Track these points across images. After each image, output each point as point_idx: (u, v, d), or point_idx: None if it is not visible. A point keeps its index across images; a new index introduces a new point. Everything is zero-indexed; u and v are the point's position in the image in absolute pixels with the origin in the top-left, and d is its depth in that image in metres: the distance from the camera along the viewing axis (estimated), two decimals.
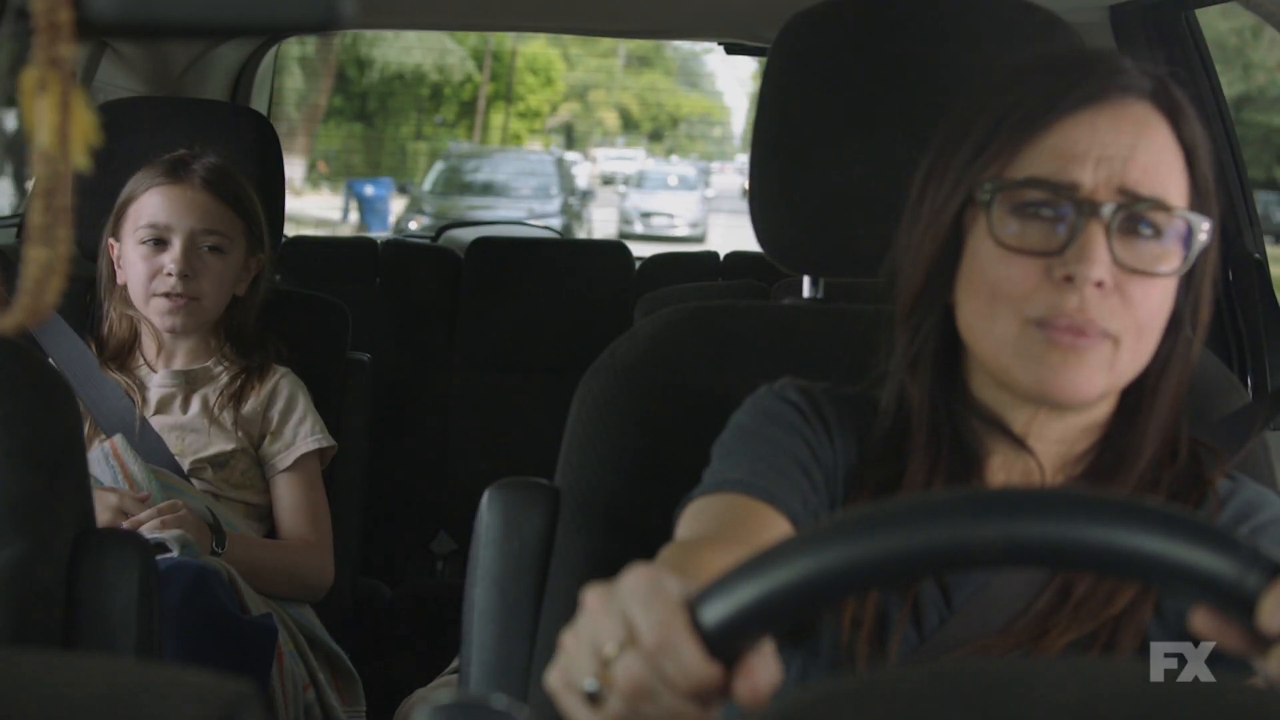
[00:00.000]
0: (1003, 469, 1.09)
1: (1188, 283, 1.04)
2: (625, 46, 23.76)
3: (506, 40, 20.42)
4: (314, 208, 17.96)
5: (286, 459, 2.02)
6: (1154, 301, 1.01)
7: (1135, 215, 1.00)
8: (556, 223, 14.67)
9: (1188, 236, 1.01)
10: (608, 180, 21.61)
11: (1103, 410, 1.07)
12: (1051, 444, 1.07)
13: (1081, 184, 1.00)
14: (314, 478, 2.05)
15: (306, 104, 18.08)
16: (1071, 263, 0.98)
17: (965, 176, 1.04)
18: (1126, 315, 1.00)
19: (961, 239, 1.05)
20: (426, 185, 16.16)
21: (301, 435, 2.04)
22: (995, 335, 1.02)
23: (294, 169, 17.28)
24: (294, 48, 16.96)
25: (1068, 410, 1.05)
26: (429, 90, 19.96)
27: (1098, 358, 1.00)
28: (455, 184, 16.11)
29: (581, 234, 15.92)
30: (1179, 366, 1.06)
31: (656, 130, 27.99)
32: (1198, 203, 1.03)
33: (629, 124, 27.33)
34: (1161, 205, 1.00)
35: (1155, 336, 1.03)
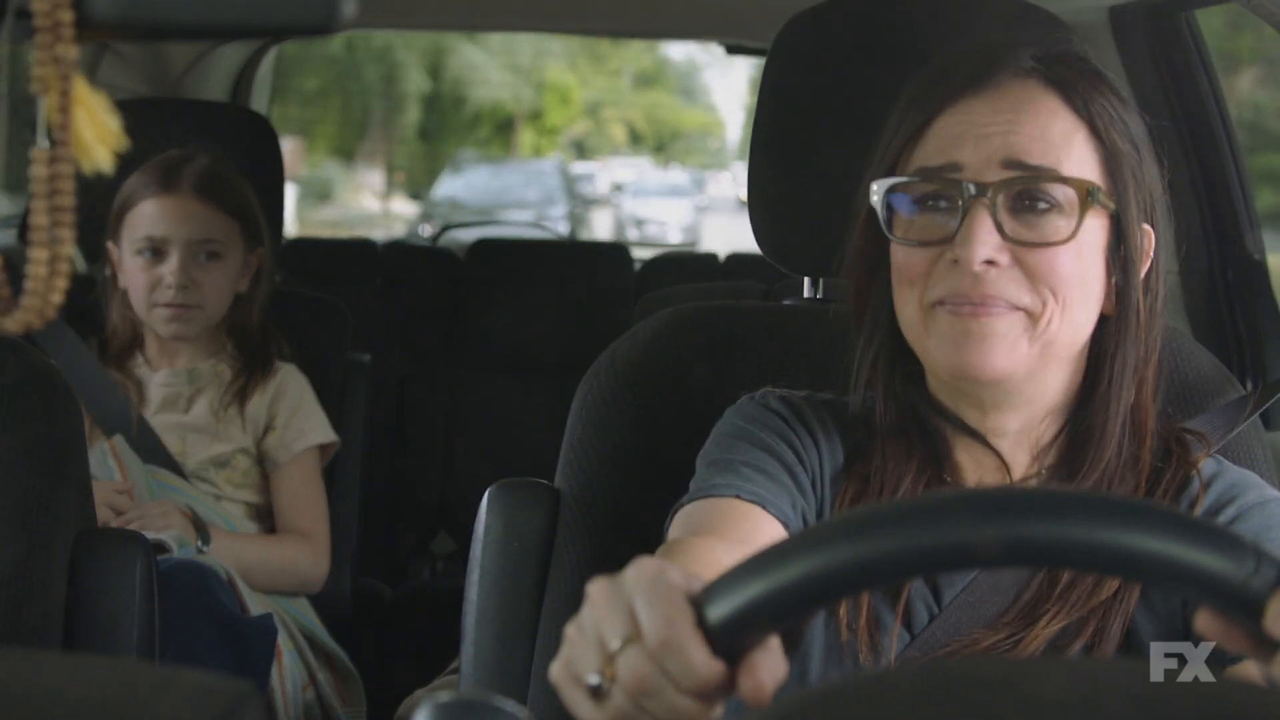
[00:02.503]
0: (972, 464, 1.09)
1: (1122, 258, 1.04)
2: (631, 67, 26.85)
3: (535, 69, 23.89)
4: (410, 210, 20.61)
5: (287, 453, 2.02)
6: (1062, 270, 1.01)
7: (1025, 191, 1.01)
8: (563, 227, 14.86)
9: (1084, 204, 1.01)
10: (618, 187, 22.32)
11: (1059, 394, 1.08)
12: (1015, 435, 1.08)
13: (963, 164, 1.02)
14: (313, 472, 2.05)
15: (390, 127, 22.46)
16: (958, 247, 1.01)
17: (875, 176, 1.08)
18: (1035, 287, 1.01)
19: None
20: (438, 194, 16.23)
21: (304, 430, 2.04)
22: (907, 321, 1.06)
23: (378, 177, 22.32)
24: (412, 87, 20.63)
25: (1009, 395, 1.05)
26: (473, 113, 23.71)
27: (1008, 328, 1.01)
28: (463, 190, 16.17)
29: (584, 236, 16.16)
30: (1134, 343, 1.06)
31: (660, 143, 29.97)
32: (1111, 172, 1.03)
33: (635, 137, 29.37)
34: (1047, 175, 1.01)
35: (1084, 305, 1.03)
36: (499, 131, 24.43)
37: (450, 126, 23.03)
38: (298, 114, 20.13)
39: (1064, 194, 1.01)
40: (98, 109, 0.52)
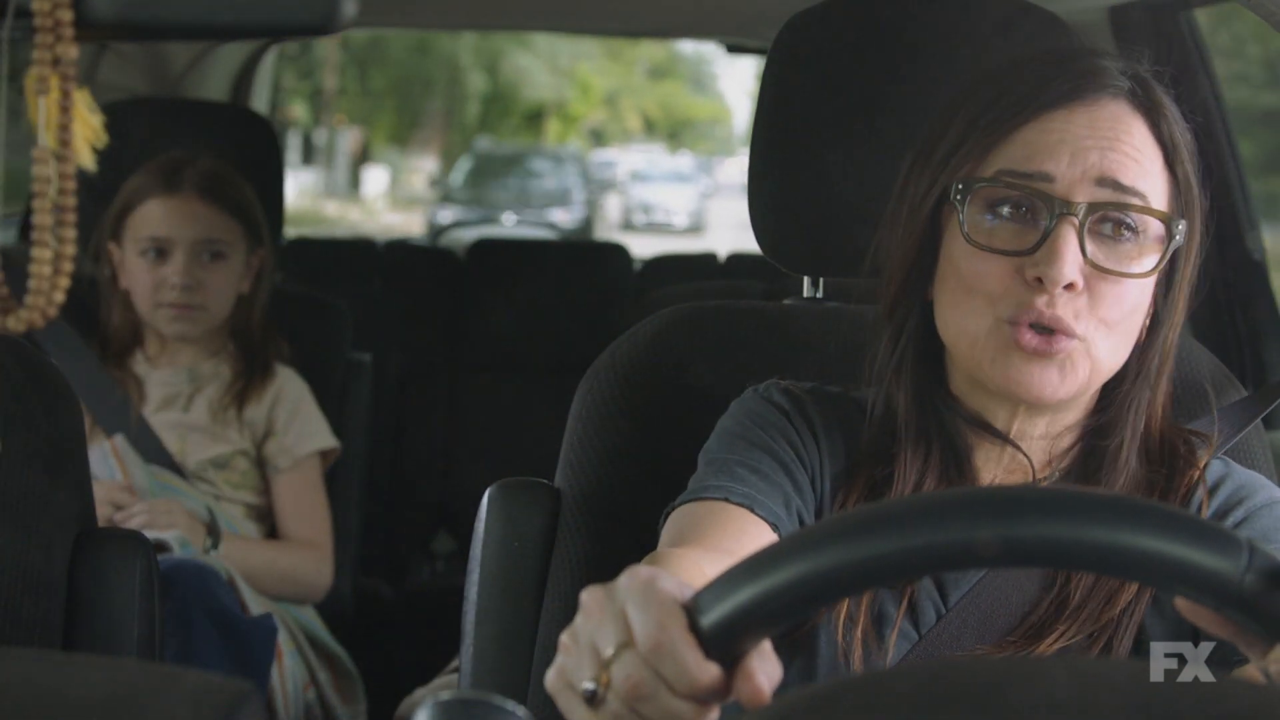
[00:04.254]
0: (991, 467, 1.09)
1: (1168, 283, 1.04)
2: (645, 60, 28.56)
3: (572, 69, 26.12)
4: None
5: (288, 459, 2.02)
6: (1127, 300, 1.01)
7: (1113, 217, 1.00)
8: (581, 212, 14.95)
9: (1164, 237, 1.01)
10: (636, 175, 22.63)
11: (1083, 407, 1.08)
12: (1035, 440, 1.08)
13: (1054, 175, 1.00)
14: (315, 479, 2.05)
15: (440, 119, 25.03)
16: (1041, 264, 0.99)
17: (940, 175, 1.05)
18: (1097, 314, 1.00)
19: (939, 237, 1.06)
20: (457, 179, 16.22)
21: (305, 436, 2.04)
22: (968, 331, 1.03)
23: (432, 163, 25.08)
24: (472, 88, 22.96)
25: (1045, 409, 1.05)
26: (519, 109, 26.27)
27: (1066, 359, 1.00)
28: (483, 177, 16.16)
29: (599, 222, 16.40)
30: (1161, 364, 1.06)
31: (673, 131, 31.76)
32: (1178, 203, 1.03)
33: (650, 126, 31.20)
34: (1137, 202, 1.00)
35: (1131, 334, 1.03)
36: (529, 122, 26.66)
37: (494, 118, 25.39)
38: (363, 106, 22.26)
39: (1150, 225, 1.01)
40: (83, 107, 0.52)
